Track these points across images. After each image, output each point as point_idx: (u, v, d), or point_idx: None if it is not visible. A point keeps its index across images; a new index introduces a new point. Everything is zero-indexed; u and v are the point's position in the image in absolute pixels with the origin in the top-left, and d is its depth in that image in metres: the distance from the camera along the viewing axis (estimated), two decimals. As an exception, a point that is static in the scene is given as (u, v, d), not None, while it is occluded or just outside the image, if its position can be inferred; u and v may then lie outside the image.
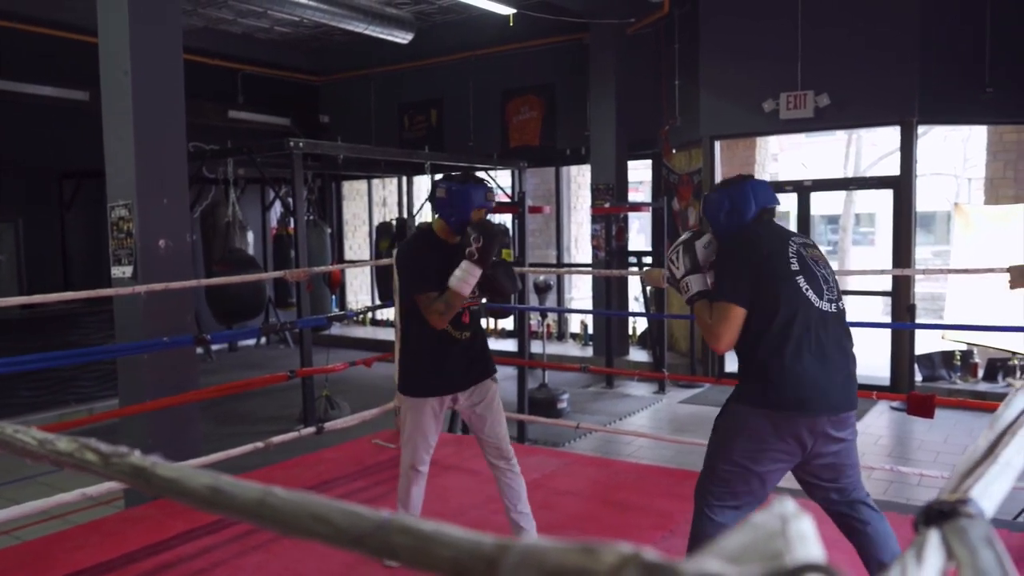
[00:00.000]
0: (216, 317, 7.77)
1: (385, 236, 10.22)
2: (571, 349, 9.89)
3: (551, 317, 10.34)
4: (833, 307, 2.59)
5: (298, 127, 11.46)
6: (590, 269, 9.20)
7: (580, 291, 11.89)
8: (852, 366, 2.64)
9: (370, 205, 12.45)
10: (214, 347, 10.05)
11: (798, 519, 0.46)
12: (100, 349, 6.47)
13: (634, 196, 11.77)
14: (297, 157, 6.77)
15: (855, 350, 2.66)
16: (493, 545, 0.44)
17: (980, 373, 7.33)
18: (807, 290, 2.55)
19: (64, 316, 7.34)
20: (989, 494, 0.63)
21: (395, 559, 0.49)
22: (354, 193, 12.75)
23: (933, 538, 0.54)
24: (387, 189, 12.48)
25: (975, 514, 0.58)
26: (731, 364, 8.55)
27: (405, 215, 10.13)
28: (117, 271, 4.68)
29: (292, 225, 7.83)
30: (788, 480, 4.99)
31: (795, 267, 2.57)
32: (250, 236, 8.53)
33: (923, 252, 17.85)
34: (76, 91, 8.71)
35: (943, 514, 0.58)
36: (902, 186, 7.34)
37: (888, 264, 7.80)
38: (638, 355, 9.22)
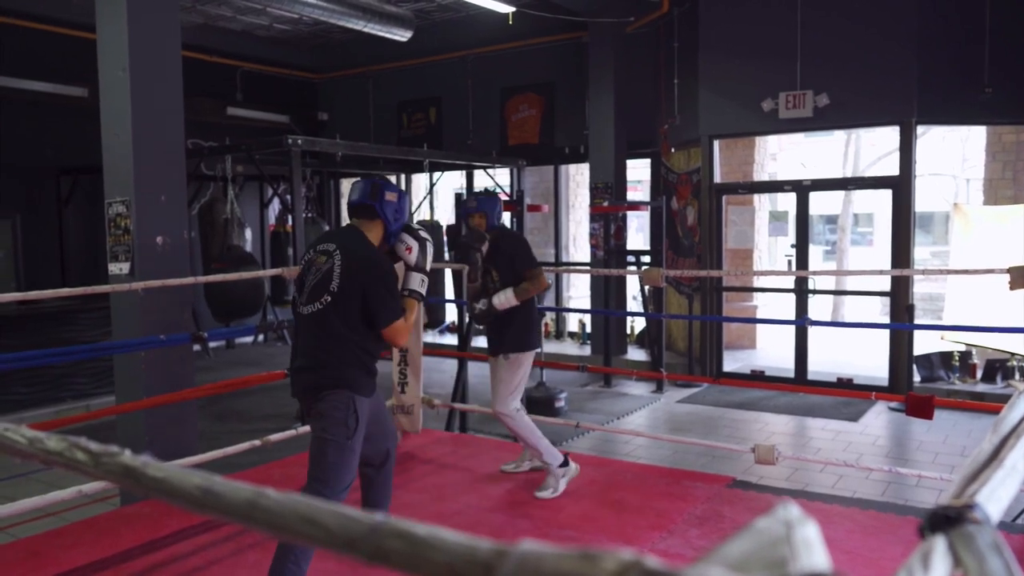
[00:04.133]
0: (214, 314, 7.75)
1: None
2: (569, 348, 9.88)
3: (549, 316, 10.33)
4: (306, 309, 3.05)
5: (297, 124, 11.43)
6: (588, 268, 9.18)
7: (578, 290, 11.88)
8: (312, 361, 3.03)
9: (368, 203, 12.42)
10: (212, 344, 10.02)
11: (803, 525, 0.45)
12: (97, 346, 6.45)
13: (633, 195, 11.75)
14: (295, 154, 6.75)
15: (327, 347, 3.00)
16: (489, 551, 0.42)
17: (979, 374, 7.32)
18: (296, 293, 3.14)
19: (61, 313, 7.32)
20: (995, 499, 0.62)
21: (387, 564, 0.48)
22: (353, 191, 12.71)
23: (939, 545, 0.53)
24: (386, 187, 12.44)
25: (982, 520, 0.56)
26: (729, 364, 8.55)
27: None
28: (114, 268, 4.66)
29: (290, 222, 7.81)
30: (784, 482, 4.98)
31: (302, 270, 3.15)
32: (248, 233, 8.51)
33: (922, 252, 17.86)
34: (74, 87, 8.67)
35: (949, 520, 0.57)
36: (901, 186, 7.34)
37: (887, 264, 7.79)
38: (636, 354, 9.22)
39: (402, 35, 9.20)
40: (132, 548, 3.71)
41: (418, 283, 3.22)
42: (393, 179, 11.81)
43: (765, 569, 0.41)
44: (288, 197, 7.62)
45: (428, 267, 3.28)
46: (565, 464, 4.36)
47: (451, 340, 9.72)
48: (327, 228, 10.14)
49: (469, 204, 4.39)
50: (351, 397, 2.99)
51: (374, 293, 2.98)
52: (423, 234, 3.30)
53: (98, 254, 5.06)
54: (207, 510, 0.58)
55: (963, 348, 7.40)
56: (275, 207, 10.27)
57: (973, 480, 0.67)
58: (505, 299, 4.16)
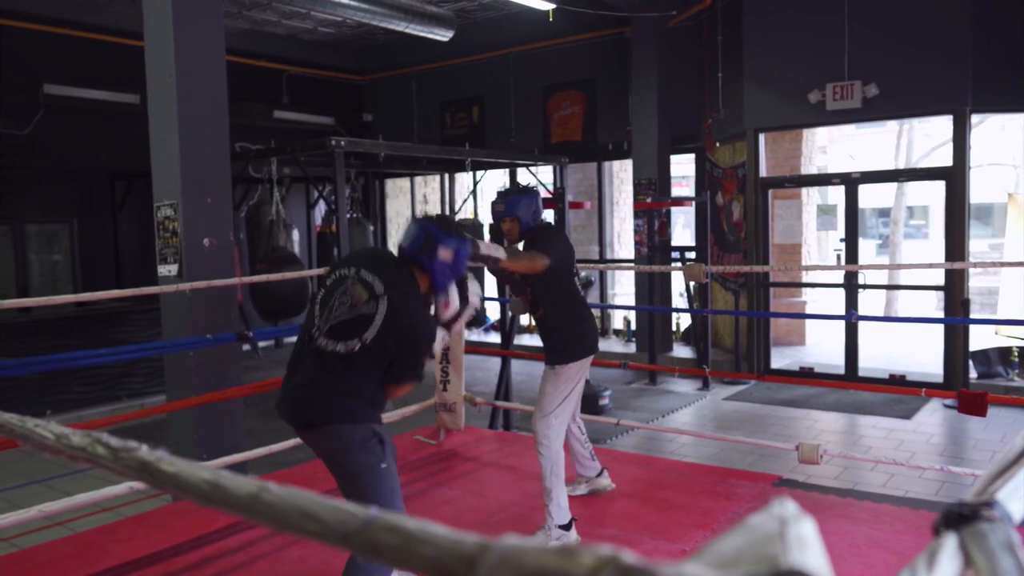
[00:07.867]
0: (261, 314, 7.90)
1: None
2: (614, 345, 9.82)
3: (594, 313, 10.27)
4: (326, 344, 2.68)
5: (342, 126, 11.58)
6: (633, 265, 9.11)
7: (623, 287, 11.81)
8: (318, 390, 2.67)
9: (413, 202, 12.53)
10: (260, 344, 10.21)
11: (798, 521, 0.44)
12: (147, 346, 6.62)
13: (677, 190, 11.64)
14: (339, 156, 6.84)
15: (338, 384, 2.66)
16: (474, 545, 0.42)
17: (1039, 370, 7.08)
18: (316, 311, 2.78)
19: (116, 314, 7.54)
20: (1019, 496, 0.60)
21: (380, 557, 0.48)
22: (397, 191, 12.84)
23: (950, 542, 0.51)
24: (430, 186, 12.54)
25: (999, 517, 0.54)
26: (777, 361, 8.41)
27: (447, 212, 10.16)
28: (163, 269, 4.78)
29: (336, 223, 7.91)
30: (833, 481, 4.88)
31: (320, 293, 2.84)
32: (295, 234, 8.64)
33: (980, 245, 17.30)
34: (127, 94, 8.93)
35: (963, 517, 0.54)
36: (955, 177, 7.12)
37: (941, 258, 7.58)
38: (682, 351, 9.12)
39: (443, 35, 9.25)
40: (183, 542, 3.81)
41: (437, 340, 2.88)
42: (436, 180, 11.89)
43: (754, 566, 0.40)
44: (333, 198, 7.72)
45: (455, 328, 3.01)
46: (567, 528, 3.67)
47: (494, 338, 9.74)
48: (371, 228, 10.25)
49: (496, 207, 3.71)
50: (368, 426, 2.67)
51: (407, 357, 2.68)
52: (472, 295, 2.94)
53: (151, 256, 5.16)
54: (214, 503, 0.59)
55: (1021, 343, 7.15)
56: (321, 208, 10.43)
57: (998, 477, 0.65)
58: (495, 249, 3.42)
